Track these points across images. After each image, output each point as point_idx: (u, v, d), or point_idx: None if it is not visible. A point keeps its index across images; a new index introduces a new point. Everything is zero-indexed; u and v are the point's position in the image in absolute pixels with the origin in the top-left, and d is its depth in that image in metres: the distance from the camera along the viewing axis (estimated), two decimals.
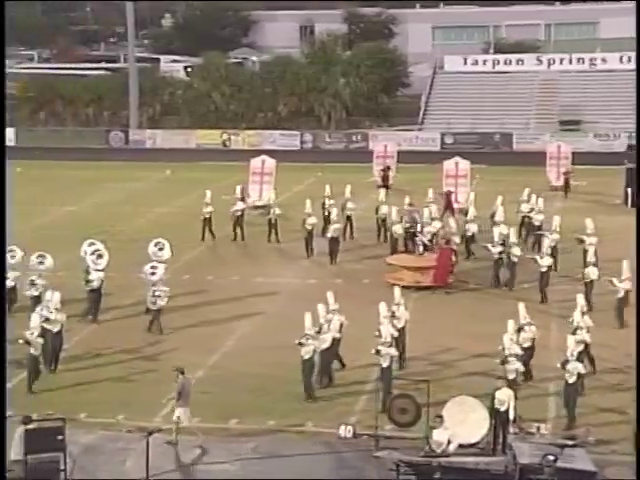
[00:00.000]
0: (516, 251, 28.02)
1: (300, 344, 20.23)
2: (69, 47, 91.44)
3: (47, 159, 53.70)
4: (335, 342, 21.19)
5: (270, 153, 43.66)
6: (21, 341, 20.63)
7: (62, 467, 15.63)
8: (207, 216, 33.83)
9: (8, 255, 25.62)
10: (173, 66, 75.04)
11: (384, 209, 33.38)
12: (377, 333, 20.48)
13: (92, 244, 26.12)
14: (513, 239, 28.59)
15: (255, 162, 41.14)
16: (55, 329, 21.69)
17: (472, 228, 31.50)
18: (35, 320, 21.03)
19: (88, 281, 24.98)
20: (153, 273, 25.27)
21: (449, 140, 56.88)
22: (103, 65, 77.91)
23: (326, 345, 20.81)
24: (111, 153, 57.45)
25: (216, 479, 16.80)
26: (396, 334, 21.09)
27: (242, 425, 19.12)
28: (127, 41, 65.79)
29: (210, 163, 52.46)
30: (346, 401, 20.22)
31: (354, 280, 28.92)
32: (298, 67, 64.78)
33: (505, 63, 63.86)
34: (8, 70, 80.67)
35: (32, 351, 20.54)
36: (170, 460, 17.14)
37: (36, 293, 24.57)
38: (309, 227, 31.56)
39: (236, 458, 17.17)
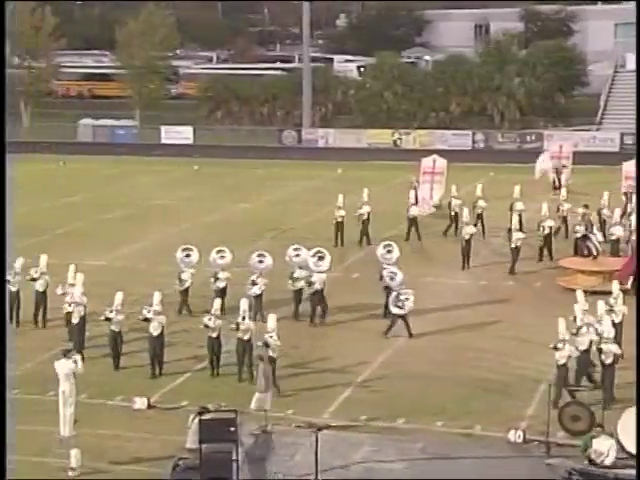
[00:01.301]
0: None
1: (555, 348, 19.55)
2: (247, 48, 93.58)
3: (223, 157, 55.14)
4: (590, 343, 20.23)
5: (441, 153, 43.32)
6: (259, 343, 20.33)
7: (234, 458, 15.92)
8: (364, 218, 33.41)
9: (216, 255, 25.97)
10: (346, 66, 75.65)
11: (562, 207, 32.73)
12: (574, 331, 19.89)
13: (297, 249, 26.15)
14: None
15: (426, 162, 40.88)
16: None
17: None
18: (272, 322, 20.51)
19: (310, 283, 24.72)
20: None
21: (629, 140, 54.85)
22: (278, 65, 79.36)
23: (584, 347, 20.01)
24: (284, 152, 58.39)
25: (383, 478, 16.75)
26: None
27: (410, 425, 19.02)
28: (302, 41, 66.72)
29: (381, 162, 52.53)
30: (516, 405, 19.79)
31: (525, 283, 28.32)
32: (471, 66, 64.09)
33: None
34: (187, 71, 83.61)
35: (271, 353, 20.02)
36: (338, 457, 17.19)
37: (222, 285, 25.08)
38: (466, 236, 30.57)
39: (404, 457, 17.06)
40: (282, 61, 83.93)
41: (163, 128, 63.60)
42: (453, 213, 34.05)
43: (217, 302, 22.08)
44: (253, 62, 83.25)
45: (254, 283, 24.82)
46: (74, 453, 16.98)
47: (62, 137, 62.86)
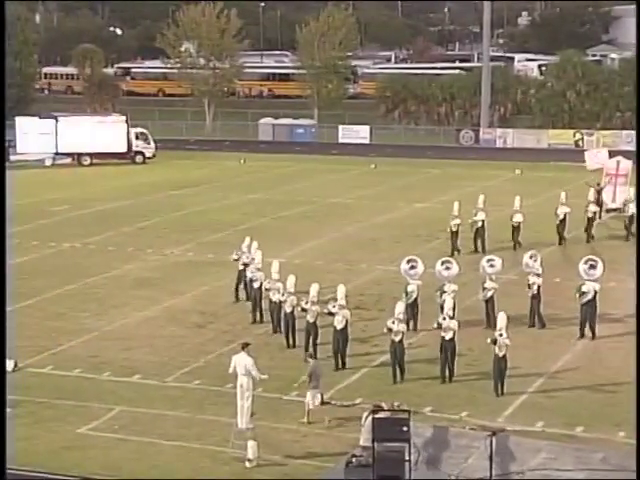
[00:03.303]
0: None
1: None
2: (425, 47, 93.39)
3: (399, 157, 55.12)
4: None
5: (627, 154, 41.84)
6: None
7: (407, 458, 15.81)
8: (561, 217, 33.00)
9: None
10: (527, 65, 74.33)
11: None
12: None
13: (533, 256, 25.46)
14: None
15: (610, 163, 39.56)
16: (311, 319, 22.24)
17: None
18: (502, 321, 20.68)
19: (582, 293, 23.98)
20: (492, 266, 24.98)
21: None
22: (457, 64, 78.73)
23: None
24: (462, 152, 57.88)
25: None
26: None
27: (589, 434, 18.42)
28: (482, 40, 65.94)
29: (561, 163, 51.22)
30: None
31: None
32: None
33: None
34: (366, 70, 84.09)
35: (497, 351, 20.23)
36: (514, 462, 16.80)
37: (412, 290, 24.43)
38: None
39: (583, 467, 16.50)
40: (461, 60, 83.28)
41: (341, 127, 64.22)
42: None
43: (400, 306, 21.95)
44: (432, 61, 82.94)
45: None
46: (251, 445, 17.30)
47: (243, 135, 64.53)
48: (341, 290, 22.58)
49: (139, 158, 54.85)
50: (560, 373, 21.53)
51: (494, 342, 20.26)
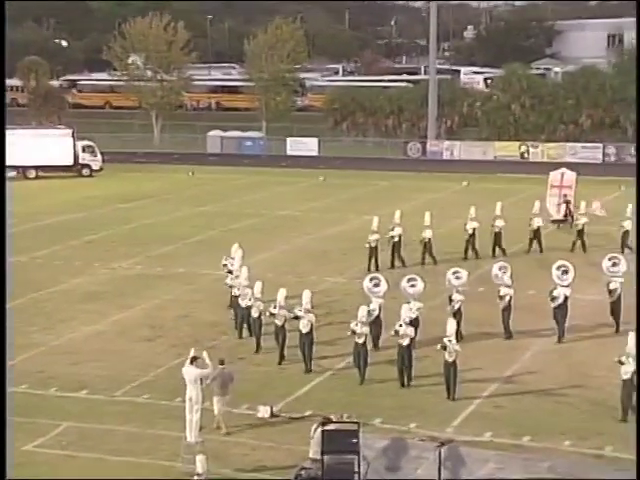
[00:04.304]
0: None
1: (620, 362, 19.50)
2: (373, 60, 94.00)
3: (348, 169, 55.36)
4: None
5: (570, 166, 42.47)
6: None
7: (356, 469, 15.91)
8: (470, 232, 33.01)
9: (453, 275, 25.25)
10: (473, 77, 75.16)
11: None
12: None
13: (562, 267, 25.37)
14: None
15: (554, 175, 40.14)
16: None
17: None
18: (450, 327, 21.12)
19: (553, 298, 24.59)
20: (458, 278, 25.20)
21: None
22: (404, 77, 79.33)
23: None
24: (409, 164, 58.26)
25: None
26: None
27: (536, 443, 18.64)
28: (429, 53, 66.54)
29: (508, 175, 51.80)
30: None
31: None
32: (604, 77, 62.69)
33: None
34: (314, 83, 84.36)
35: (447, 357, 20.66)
36: (463, 472, 16.96)
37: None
38: None
39: (531, 476, 16.70)
40: (408, 73, 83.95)
41: (289, 140, 64.34)
42: (579, 228, 33.50)
43: (363, 309, 22.37)
44: (379, 74, 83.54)
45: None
46: (199, 459, 17.25)
47: (192, 148, 64.34)
48: (306, 295, 23.15)
49: (86, 171, 54.43)
50: (508, 383, 21.74)
51: (444, 348, 20.64)
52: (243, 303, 24.58)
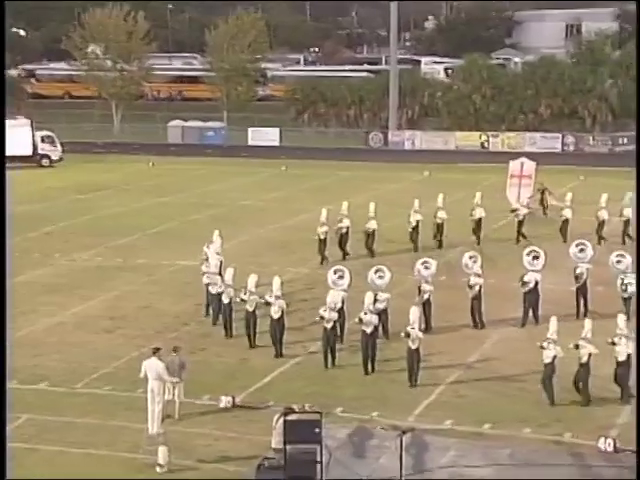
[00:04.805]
0: None
1: (542, 347, 19.95)
2: (334, 50, 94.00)
3: (309, 159, 55.34)
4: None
5: (530, 155, 42.77)
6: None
7: (319, 459, 15.94)
8: (413, 225, 33.14)
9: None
10: (434, 68, 75.38)
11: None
12: None
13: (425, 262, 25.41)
14: None
15: (514, 164, 40.37)
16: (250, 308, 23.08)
17: None
18: (413, 315, 21.25)
19: (524, 283, 24.76)
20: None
21: None
22: (365, 67, 79.39)
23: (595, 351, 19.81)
24: (371, 154, 58.36)
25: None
26: None
27: (496, 430, 18.80)
28: (389, 44, 66.62)
29: (469, 165, 52.08)
30: (609, 414, 19.41)
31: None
32: (563, 68, 63.22)
33: None
34: (275, 73, 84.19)
35: (410, 344, 20.87)
36: (424, 460, 17.08)
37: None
38: None
39: (491, 463, 16.86)
40: (369, 63, 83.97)
41: (250, 130, 64.18)
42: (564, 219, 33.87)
43: (331, 294, 23.00)
44: (341, 64, 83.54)
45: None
46: (161, 450, 17.22)
47: (152, 138, 63.95)
48: (276, 282, 23.24)
49: (45, 161, 53.93)
50: (470, 370, 21.89)
51: (407, 335, 20.82)
52: (213, 290, 24.69)
